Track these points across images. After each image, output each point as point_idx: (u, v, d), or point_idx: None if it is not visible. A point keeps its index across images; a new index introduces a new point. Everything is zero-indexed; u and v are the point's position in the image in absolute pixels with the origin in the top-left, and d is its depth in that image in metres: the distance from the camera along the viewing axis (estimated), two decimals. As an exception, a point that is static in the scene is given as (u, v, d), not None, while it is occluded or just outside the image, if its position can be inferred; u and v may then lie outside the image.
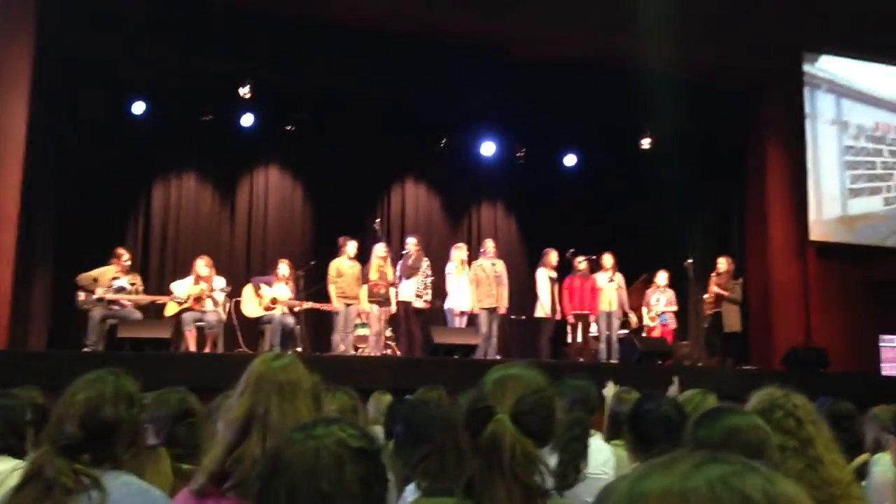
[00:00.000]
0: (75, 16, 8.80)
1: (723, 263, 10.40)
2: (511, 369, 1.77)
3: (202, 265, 9.01)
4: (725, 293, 10.23)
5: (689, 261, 10.67)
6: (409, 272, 9.77)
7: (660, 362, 9.59)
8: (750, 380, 8.20)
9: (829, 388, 5.67)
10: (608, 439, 3.63)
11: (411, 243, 9.97)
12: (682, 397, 3.47)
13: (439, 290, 10.10)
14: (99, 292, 8.53)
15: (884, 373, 11.00)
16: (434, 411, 2.71)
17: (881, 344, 11.34)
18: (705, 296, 10.48)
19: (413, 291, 9.77)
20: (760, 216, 11.30)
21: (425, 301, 9.89)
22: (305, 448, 1.30)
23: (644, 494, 0.76)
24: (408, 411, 2.90)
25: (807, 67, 11.52)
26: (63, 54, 9.15)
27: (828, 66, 11.67)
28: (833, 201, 11.40)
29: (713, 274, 10.44)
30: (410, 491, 2.17)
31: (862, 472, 3.41)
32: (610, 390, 3.95)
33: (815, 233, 11.18)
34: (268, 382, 1.95)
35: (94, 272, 8.67)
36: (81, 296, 8.55)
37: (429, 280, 9.91)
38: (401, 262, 9.85)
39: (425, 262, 9.95)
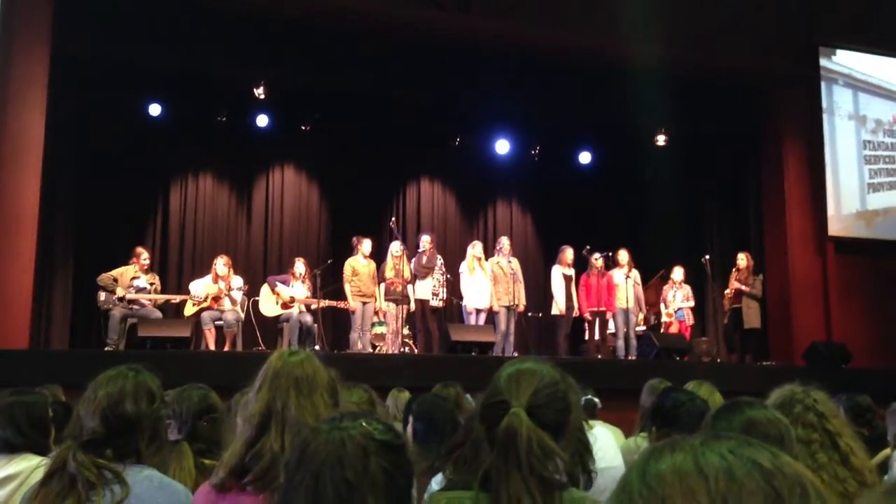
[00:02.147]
0: (90, 21, 8.85)
1: (743, 259, 10.36)
2: (525, 363, 1.78)
3: (221, 264, 9.08)
4: (745, 289, 10.18)
5: (707, 257, 10.62)
6: (424, 271, 9.79)
7: (678, 358, 9.55)
8: (770, 376, 8.16)
9: (851, 384, 5.64)
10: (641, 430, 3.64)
11: (425, 241, 9.98)
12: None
13: (455, 288, 10.11)
14: (119, 292, 8.61)
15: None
16: (453, 407, 2.72)
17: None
18: (725, 291, 10.44)
19: (429, 290, 9.79)
20: (778, 212, 11.23)
21: (441, 299, 9.91)
22: (331, 437, 1.32)
23: (659, 474, 0.78)
24: (428, 407, 2.91)
25: (823, 62, 11.43)
26: (79, 58, 9.21)
27: (844, 60, 11.57)
28: (852, 196, 11.31)
29: (733, 269, 10.40)
30: (437, 481, 2.18)
31: (884, 467, 3.39)
32: None
33: (834, 228, 11.09)
34: (285, 378, 1.97)
35: (115, 272, 8.75)
36: (102, 296, 8.63)
37: (443, 278, 9.93)
38: (414, 259, 9.86)
39: (439, 261, 9.96)
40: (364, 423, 1.35)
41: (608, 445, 3.00)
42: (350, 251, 9.65)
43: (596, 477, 1.94)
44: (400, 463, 1.34)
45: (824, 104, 11.36)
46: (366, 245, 9.52)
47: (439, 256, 10.03)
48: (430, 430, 2.73)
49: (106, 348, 8.36)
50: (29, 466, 2.64)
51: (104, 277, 8.69)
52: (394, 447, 1.35)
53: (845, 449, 2.19)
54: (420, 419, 2.88)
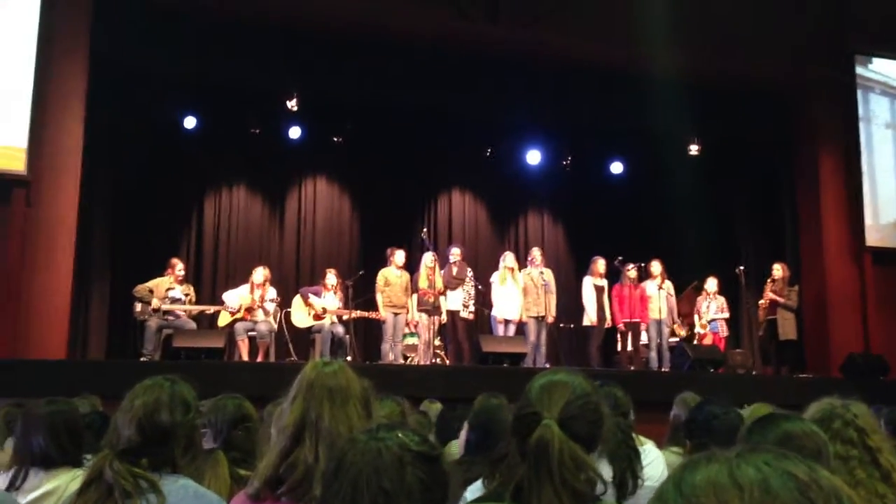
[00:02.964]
0: (127, 34, 9.02)
1: (778, 270, 10.22)
2: (557, 375, 1.77)
3: (259, 274, 9.16)
4: (781, 300, 10.05)
5: (741, 267, 10.50)
6: (455, 283, 9.80)
7: (712, 370, 9.44)
8: (807, 388, 8.04)
9: (889, 396, 5.54)
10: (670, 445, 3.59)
11: (455, 253, 9.99)
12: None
13: (486, 299, 10.09)
14: (155, 303, 8.72)
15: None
16: (503, 416, 2.70)
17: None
18: (760, 302, 10.30)
19: (460, 301, 9.79)
20: (814, 221, 11.07)
21: (471, 312, 9.90)
22: (368, 448, 1.35)
23: (694, 485, 0.78)
24: (485, 418, 2.88)
25: (859, 70, 11.27)
26: (116, 71, 9.37)
27: (881, 68, 11.41)
28: (889, 206, 11.12)
29: (769, 280, 10.27)
30: (472, 490, 2.17)
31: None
32: None
33: (872, 238, 10.91)
34: (319, 388, 1.97)
35: (150, 283, 8.87)
36: (138, 307, 8.74)
37: (473, 290, 9.92)
38: (444, 271, 9.87)
39: (469, 272, 9.97)
40: (400, 434, 1.37)
41: (657, 464, 2.94)
42: (382, 262, 9.69)
43: (642, 486, 1.91)
44: (436, 474, 1.36)
45: (861, 112, 11.20)
46: (399, 256, 9.55)
47: (469, 268, 10.03)
48: (485, 442, 2.70)
49: (142, 359, 8.47)
50: (65, 480, 2.67)
51: (140, 289, 8.80)
52: (430, 458, 1.36)
53: (886, 465, 2.14)
54: (476, 429, 2.85)
